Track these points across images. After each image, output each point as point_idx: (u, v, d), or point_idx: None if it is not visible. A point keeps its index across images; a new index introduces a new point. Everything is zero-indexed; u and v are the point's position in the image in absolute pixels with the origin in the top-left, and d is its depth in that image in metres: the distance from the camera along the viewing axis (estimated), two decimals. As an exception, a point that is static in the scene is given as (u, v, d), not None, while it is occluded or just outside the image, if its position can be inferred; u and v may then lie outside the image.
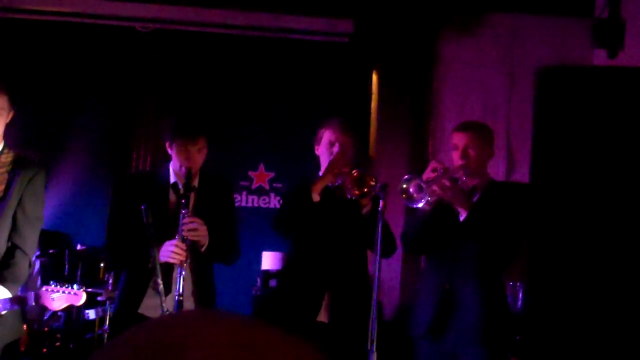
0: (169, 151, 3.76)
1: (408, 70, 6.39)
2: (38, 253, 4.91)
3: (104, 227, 6.03)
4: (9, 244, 3.38)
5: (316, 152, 4.23)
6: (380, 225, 3.58)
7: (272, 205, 6.41)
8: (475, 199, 3.90)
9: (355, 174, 3.88)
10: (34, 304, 3.10)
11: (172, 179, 3.76)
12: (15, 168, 3.44)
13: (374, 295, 3.53)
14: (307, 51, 6.42)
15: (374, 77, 6.54)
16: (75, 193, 6.10)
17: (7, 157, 3.46)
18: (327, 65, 6.44)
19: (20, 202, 3.41)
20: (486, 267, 3.85)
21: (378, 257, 3.60)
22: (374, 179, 3.88)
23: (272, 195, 6.45)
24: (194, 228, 3.55)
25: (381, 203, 3.66)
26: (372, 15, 6.30)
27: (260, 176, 6.47)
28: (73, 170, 6.14)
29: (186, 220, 3.53)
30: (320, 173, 4.12)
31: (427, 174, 3.80)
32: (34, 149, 3.73)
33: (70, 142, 6.26)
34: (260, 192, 6.44)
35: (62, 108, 6.29)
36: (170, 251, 3.48)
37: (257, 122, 6.41)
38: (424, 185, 3.73)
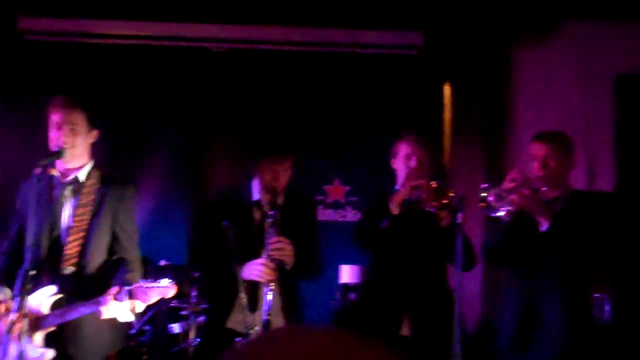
0: (254, 168, 3.81)
1: (481, 81, 6.35)
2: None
3: (184, 243, 6.22)
4: (116, 257, 3.53)
5: (392, 165, 4.25)
6: (459, 238, 3.56)
7: (348, 219, 6.44)
8: (557, 209, 3.83)
9: (433, 185, 3.88)
10: (127, 299, 3.18)
11: (256, 197, 3.82)
12: (104, 185, 3.58)
13: (457, 309, 3.51)
14: (378, 65, 6.45)
15: (446, 89, 6.51)
16: (154, 211, 6.24)
17: (96, 175, 3.60)
18: (398, 78, 6.45)
19: (116, 219, 3.56)
20: (570, 279, 3.76)
21: (459, 270, 3.58)
22: (452, 191, 3.86)
23: (348, 208, 6.48)
24: (281, 247, 3.60)
25: (460, 216, 3.63)
26: (442, 26, 6.29)
27: (336, 190, 6.51)
28: (152, 189, 6.29)
29: (273, 239, 3.59)
30: (398, 186, 4.13)
31: (507, 184, 3.75)
32: (115, 168, 3.84)
33: (148, 161, 6.43)
34: (336, 205, 6.49)
35: (140, 129, 6.47)
36: (259, 270, 3.54)
37: (331, 137, 6.46)
38: (503, 195, 3.69)
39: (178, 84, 6.47)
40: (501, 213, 3.70)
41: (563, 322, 3.71)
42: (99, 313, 3.24)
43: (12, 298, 3.39)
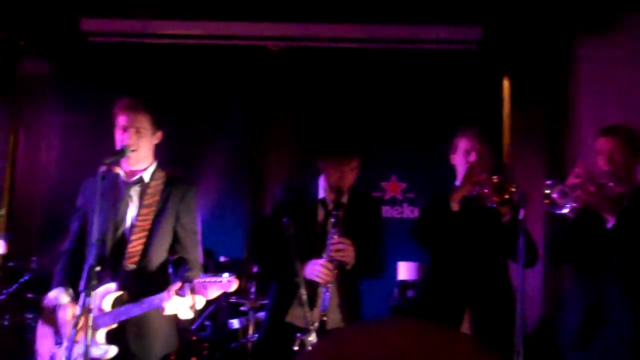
0: (321, 167, 3.82)
1: (541, 75, 6.25)
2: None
3: (243, 238, 6.29)
4: (177, 257, 3.58)
5: (452, 161, 4.20)
6: (522, 234, 3.50)
7: (405, 216, 6.42)
8: (624, 205, 3.73)
9: (495, 180, 3.82)
10: (189, 294, 3.21)
11: (321, 194, 3.83)
12: (168, 186, 3.63)
13: (519, 306, 3.45)
14: (436, 60, 6.40)
15: (505, 83, 6.43)
16: (215, 207, 6.33)
17: (160, 176, 3.66)
18: (456, 73, 6.40)
19: (178, 219, 3.60)
20: (637, 276, 3.67)
21: (521, 267, 3.51)
22: (514, 186, 3.80)
23: (406, 205, 6.46)
24: (342, 249, 3.60)
25: (522, 212, 3.57)
26: (501, 20, 6.20)
27: (393, 187, 6.49)
28: (211, 186, 6.38)
29: (334, 240, 3.59)
30: (457, 182, 4.08)
31: (571, 180, 3.66)
32: (175, 166, 3.89)
33: (207, 158, 6.52)
34: (393, 202, 6.47)
35: (199, 127, 6.57)
36: (318, 271, 3.56)
37: (388, 133, 6.44)
38: (567, 191, 3.61)
39: (236, 82, 6.55)
40: (565, 210, 3.62)
41: (629, 320, 3.61)
42: (161, 309, 3.27)
43: (77, 296, 3.46)
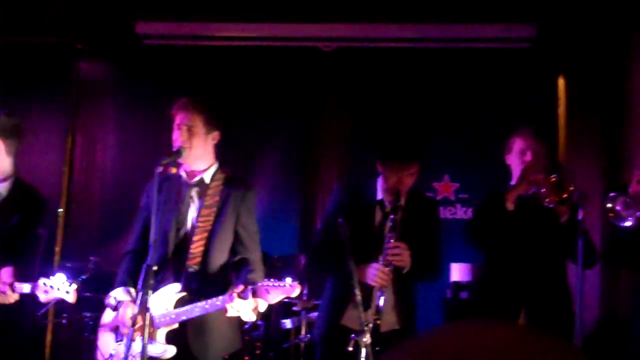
0: (379, 169, 3.79)
1: (598, 73, 6.12)
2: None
3: (295, 238, 6.30)
4: (238, 258, 3.60)
5: (506, 161, 4.14)
6: (581, 235, 3.43)
7: (458, 216, 6.35)
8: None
9: (553, 179, 3.75)
10: (251, 297, 3.22)
11: (379, 196, 3.82)
12: (227, 186, 3.65)
13: (578, 308, 3.38)
14: (489, 59, 6.33)
15: (561, 82, 6.31)
16: (267, 207, 6.35)
17: (220, 178, 3.69)
18: (510, 72, 6.30)
19: (239, 220, 3.62)
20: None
21: (580, 269, 3.45)
22: (572, 185, 3.73)
23: (458, 206, 6.39)
24: (398, 253, 3.57)
25: (581, 213, 3.51)
26: (556, 18, 6.09)
27: (445, 187, 6.43)
28: (265, 187, 6.40)
29: (391, 244, 3.57)
30: (512, 182, 4.03)
31: (634, 187, 3.56)
32: (236, 168, 3.91)
33: (261, 159, 6.56)
34: (445, 203, 6.40)
35: (251, 128, 6.60)
36: (374, 274, 3.53)
37: (440, 133, 6.37)
38: (631, 202, 3.50)
39: (288, 84, 6.57)
40: (629, 222, 3.51)
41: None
42: (224, 311, 3.28)
43: (132, 301, 3.49)
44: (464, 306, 5.38)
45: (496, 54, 6.30)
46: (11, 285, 3.75)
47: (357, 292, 3.32)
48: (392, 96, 6.43)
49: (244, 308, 3.24)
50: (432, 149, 6.36)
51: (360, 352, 3.12)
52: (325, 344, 3.82)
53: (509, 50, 6.26)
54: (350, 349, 3.18)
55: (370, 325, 3.35)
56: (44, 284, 3.69)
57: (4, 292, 3.76)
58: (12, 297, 3.78)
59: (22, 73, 6.68)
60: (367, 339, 3.14)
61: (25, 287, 3.74)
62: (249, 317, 3.29)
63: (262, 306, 3.27)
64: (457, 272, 5.74)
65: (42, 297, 3.70)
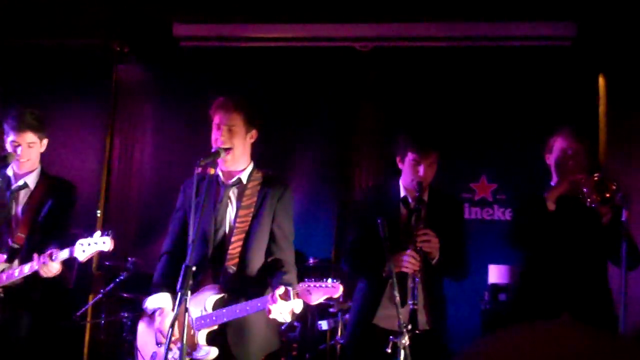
0: (400, 165, 3.84)
1: (638, 71, 6.00)
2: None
3: (330, 240, 6.28)
4: (271, 258, 3.58)
5: (547, 160, 4.09)
6: (624, 237, 3.36)
7: (496, 217, 6.27)
8: None
9: (595, 178, 3.68)
10: (294, 299, 3.20)
11: (402, 194, 3.84)
12: (264, 186, 3.64)
13: (621, 310, 3.31)
14: (528, 58, 6.25)
15: (601, 81, 6.21)
16: (303, 209, 6.34)
17: (257, 177, 3.68)
18: (550, 71, 6.22)
19: (274, 219, 3.60)
20: None
21: (623, 271, 3.39)
22: (615, 184, 3.66)
23: (496, 207, 6.31)
24: (428, 239, 3.59)
25: (625, 213, 3.44)
26: (597, 15, 5.99)
27: (483, 187, 6.36)
28: (300, 187, 6.40)
29: (420, 231, 3.60)
30: (553, 182, 3.98)
31: None
32: (272, 168, 3.89)
33: (297, 160, 6.55)
34: (483, 203, 6.34)
35: (288, 129, 6.61)
36: (405, 260, 3.55)
37: (478, 133, 6.32)
38: None
39: (324, 84, 6.56)
40: None
41: None
42: (267, 312, 3.25)
43: (172, 302, 3.49)
44: (502, 308, 5.30)
45: (536, 52, 6.22)
46: (51, 255, 3.82)
47: (396, 293, 3.30)
48: (429, 96, 6.39)
49: (283, 309, 3.22)
50: (469, 148, 6.33)
51: (399, 353, 3.09)
52: (358, 344, 3.81)
53: (549, 49, 6.18)
54: (389, 350, 3.15)
55: (409, 326, 3.32)
56: (81, 244, 3.77)
57: (44, 263, 3.82)
58: (54, 267, 3.85)
59: (62, 75, 6.78)
60: (405, 340, 3.11)
61: (64, 253, 3.82)
62: (286, 318, 3.27)
63: (298, 307, 3.25)
64: (495, 273, 5.67)
65: (81, 257, 3.77)
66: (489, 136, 6.31)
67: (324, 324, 5.47)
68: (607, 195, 3.63)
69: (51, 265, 3.85)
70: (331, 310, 5.38)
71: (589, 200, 3.67)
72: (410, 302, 3.52)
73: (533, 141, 4.41)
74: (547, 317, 3.82)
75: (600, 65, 6.19)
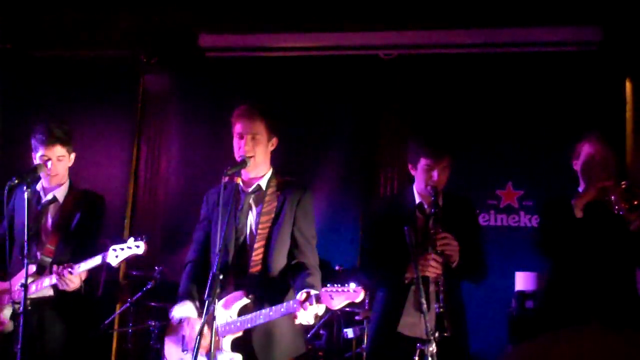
0: (412, 172, 3.85)
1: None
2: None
3: (355, 247, 6.28)
4: (295, 262, 3.59)
5: (574, 167, 4.07)
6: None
7: (522, 224, 6.23)
8: None
9: (623, 185, 3.66)
10: (316, 304, 3.20)
11: (417, 200, 3.85)
12: (283, 191, 3.65)
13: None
14: (553, 63, 6.21)
15: (628, 85, 6.15)
16: (327, 216, 6.35)
17: (275, 183, 3.69)
18: (575, 76, 6.18)
19: (295, 223, 3.62)
20: None
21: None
22: None
23: (522, 213, 6.27)
24: (447, 243, 3.60)
25: (655, 219, 3.41)
26: (622, 20, 5.95)
27: (509, 194, 6.32)
28: (325, 195, 6.41)
29: (440, 234, 3.60)
30: (580, 188, 3.96)
31: None
32: (290, 173, 3.91)
33: (320, 168, 6.56)
34: (509, 210, 6.30)
35: (311, 137, 6.62)
36: (428, 265, 3.55)
37: (504, 140, 6.28)
38: None
39: (348, 92, 6.58)
40: None
41: None
42: (293, 317, 3.26)
43: (202, 307, 3.51)
44: (529, 316, 5.27)
45: (561, 58, 6.18)
46: (70, 268, 3.88)
47: (423, 300, 3.29)
48: (453, 103, 6.37)
49: (307, 315, 3.23)
50: (495, 154, 6.30)
51: (426, 361, 3.08)
52: (382, 354, 3.80)
53: (575, 54, 6.14)
54: (416, 358, 3.15)
55: (437, 334, 3.32)
56: (114, 249, 3.83)
57: (63, 275, 3.87)
58: (73, 281, 3.92)
59: (91, 86, 6.87)
60: (433, 347, 3.11)
61: (96, 260, 3.88)
62: (310, 321, 3.27)
63: (321, 311, 3.26)
64: (522, 280, 5.63)
65: (114, 262, 3.83)
66: (515, 143, 6.28)
67: (349, 332, 5.46)
68: (635, 202, 3.61)
69: (69, 279, 3.90)
70: (357, 318, 5.37)
71: (616, 207, 3.65)
72: (436, 306, 3.52)
73: (559, 147, 4.39)
74: (576, 324, 3.78)
75: (626, 69, 6.13)
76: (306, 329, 3.62)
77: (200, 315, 3.55)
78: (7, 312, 4.00)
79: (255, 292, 3.49)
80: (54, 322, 4.12)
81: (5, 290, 4.10)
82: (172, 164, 6.89)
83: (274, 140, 3.69)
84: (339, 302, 3.18)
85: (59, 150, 4.20)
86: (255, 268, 3.51)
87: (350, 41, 6.43)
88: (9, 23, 6.68)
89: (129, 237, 3.95)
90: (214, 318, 3.17)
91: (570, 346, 0.85)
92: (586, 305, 3.80)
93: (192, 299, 3.61)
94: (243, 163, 3.53)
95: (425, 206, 3.80)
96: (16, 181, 3.87)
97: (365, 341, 5.26)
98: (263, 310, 3.37)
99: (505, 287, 5.64)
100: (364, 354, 5.27)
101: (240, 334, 3.46)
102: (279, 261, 3.56)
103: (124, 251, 3.82)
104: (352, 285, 3.16)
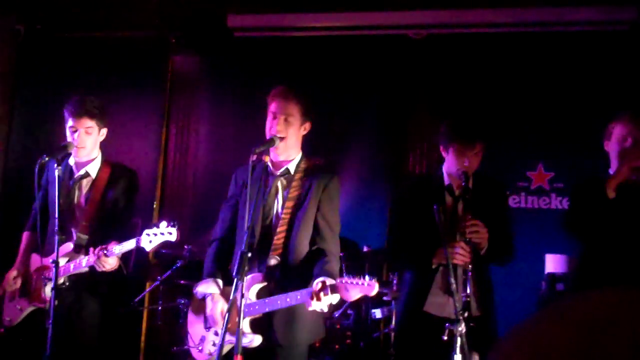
0: (443, 154, 3.83)
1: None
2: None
3: (384, 229, 6.27)
4: (315, 248, 3.58)
5: (605, 147, 4.00)
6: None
7: (552, 206, 6.17)
8: None
9: None
10: (330, 294, 3.21)
11: (447, 181, 3.83)
12: (310, 176, 3.64)
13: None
14: (585, 43, 6.12)
15: (661, 65, 6.04)
16: (356, 197, 6.35)
17: (305, 167, 3.68)
18: (607, 56, 6.08)
19: (319, 209, 3.60)
20: None
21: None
22: None
23: (553, 195, 6.21)
24: (476, 230, 3.58)
25: (688, 200, 3.34)
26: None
27: (539, 176, 6.26)
28: (354, 176, 6.40)
29: (469, 222, 3.59)
30: (611, 169, 3.89)
31: None
32: (319, 157, 3.89)
33: (350, 149, 6.55)
34: (539, 192, 6.24)
35: (340, 118, 6.60)
36: (456, 252, 3.54)
37: (534, 121, 6.22)
38: None
39: (378, 72, 6.54)
40: None
41: None
42: (307, 304, 3.26)
43: (226, 283, 3.54)
44: (559, 298, 5.22)
45: (594, 38, 6.08)
46: (105, 250, 3.91)
47: (452, 280, 3.28)
48: (484, 83, 6.31)
49: (322, 303, 3.23)
50: (526, 136, 6.23)
51: (455, 340, 3.07)
52: (410, 333, 3.82)
53: (608, 33, 6.04)
54: (445, 337, 3.14)
55: (466, 314, 3.30)
56: (147, 234, 3.84)
57: (99, 258, 3.91)
58: (109, 262, 3.95)
59: (120, 67, 6.91)
60: (462, 327, 3.10)
61: (130, 243, 3.90)
62: (323, 309, 3.27)
63: (335, 300, 3.26)
64: (552, 263, 5.58)
65: (148, 247, 3.85)
66: (546, 124, 6.20)
67: (377, 312, 5.47)
68: None
69: (105, 260, 3.94)
70: (385, 298, 5.38)
71: None
72: (463, 295, 3.52)
73: (591, 128, 4.32)
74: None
75: (660, 49, 6.03)
76: (330, 311, 3.62)
77: (222, 293, 3.58)
78: (49, 288, 4.06)
79: (274, 276, 3.50)
80: (90, 299, 4.17)
81: (46, 267, 4.15)
82: (201, 143, 6.92)
83: (307, 125, 3.68)
84: (353, 295, 3.19)
85: (87, 122, 4.21)
86: (276, 252, 3.52)
87: (379, 20, 6.38)
88: (38, 4, 6.73)
89: (159, 219, 3.97)
90: (242, 296, 3.17)
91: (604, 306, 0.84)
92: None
93: (216, 277, 3.63)
94: (271, 141, 3.53)
95: (455, 188, 3.79)
96: (47, 158, 3.90)
97: (393, 321, 5.27)
98: (281, 296, 3.36)
99: (535, 269, 5.60)
100: (392, 334, 5.28)
101: (258, 315, 3.46)
102: (301, 247, 3.56)
103: (157, 237, 3.84)
104: (367, 278, 3.17)
